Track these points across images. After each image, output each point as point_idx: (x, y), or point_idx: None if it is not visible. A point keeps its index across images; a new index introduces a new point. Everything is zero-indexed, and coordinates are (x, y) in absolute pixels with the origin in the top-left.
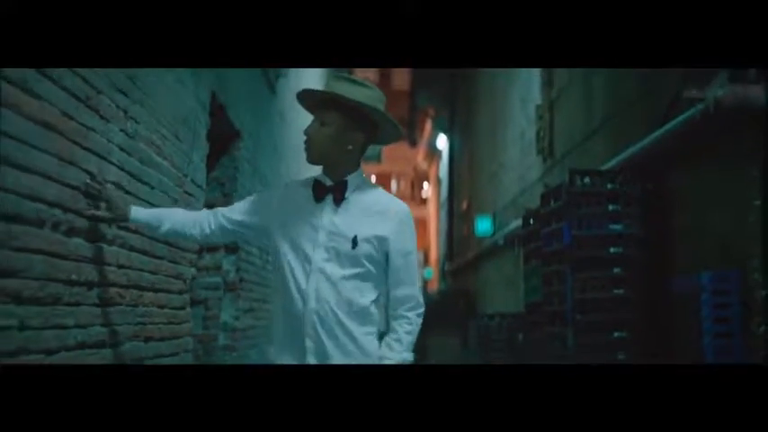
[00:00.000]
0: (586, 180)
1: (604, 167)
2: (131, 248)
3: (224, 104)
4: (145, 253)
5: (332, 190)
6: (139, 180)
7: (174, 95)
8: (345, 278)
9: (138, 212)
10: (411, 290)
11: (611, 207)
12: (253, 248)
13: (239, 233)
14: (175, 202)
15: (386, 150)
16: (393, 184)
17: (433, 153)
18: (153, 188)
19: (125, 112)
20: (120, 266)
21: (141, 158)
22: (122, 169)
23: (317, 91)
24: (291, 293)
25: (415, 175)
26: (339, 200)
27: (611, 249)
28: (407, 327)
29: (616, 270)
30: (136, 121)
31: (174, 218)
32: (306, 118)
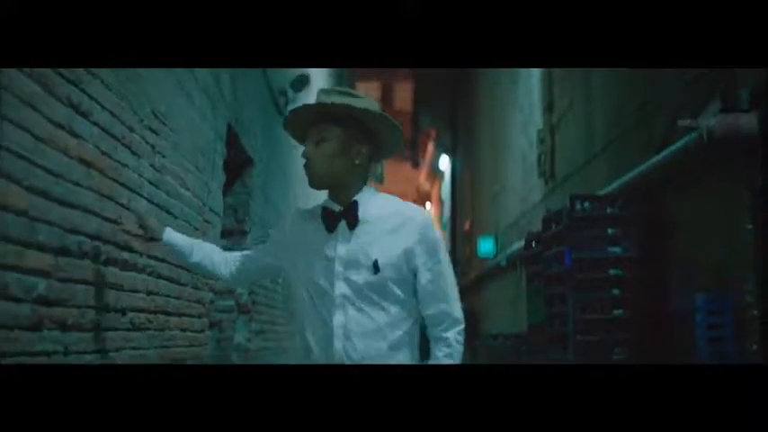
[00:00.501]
0: (586, 205)
1: (604, 192)
2: (159, 276)
3: (238, 133)
4: (171, 280)
5: (343, 215)
6: (166, 211)
7: (195, 129)
8: (372, 310)
9: (172, 235)
10: (445, 306)
11: (610, 231)
12: None
13: (266, 275)
14: (196, 230)
15: (388, 171)
16: None
17: (436, 174)
18: (176, 218)
19: (153, 147)
20: (150, 293)
21: (168, 191)
22: (151, 202)
23: (311, 105)
24: (316, 335)
25: (418, 196)
26: (353, 224)
27: (611, 271)
28: (446, 350)
29: (615, 291)
30: (162, 156)
31: (205, 251)
32: None
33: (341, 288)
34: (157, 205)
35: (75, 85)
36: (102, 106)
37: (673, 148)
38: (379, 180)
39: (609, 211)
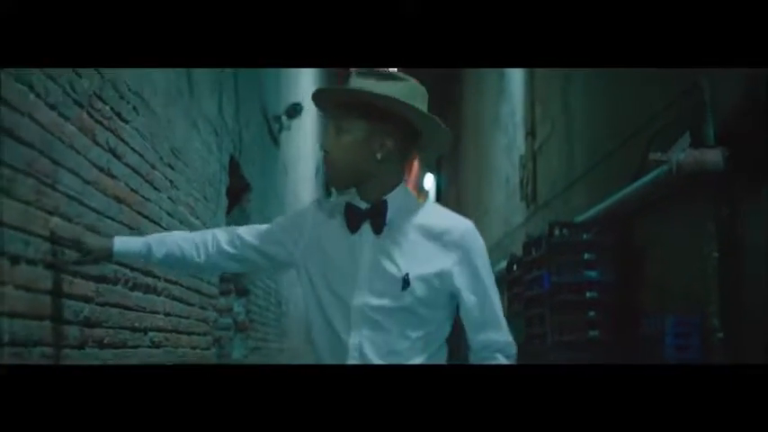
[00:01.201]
0: (564, 231)
1: (581, 218)
2: (173, 298)
3: (239, 162)
4: (182, 301)
5: (369, 215)
6: None
7: (203, 161)
8: (394, 332)
9: (125, 244)
10: (494, 333)
11: (586, 256)
12: (259, 290)
13: (251, 261)
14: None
15: None
16: None
17: (420, 192)
18: None
19: (171, 182)
20: (167, 314)
21: (181, 220)
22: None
23: (329, 90)
24: (329, 348)
25: None
26: (379, 227)
27: (587, 294)
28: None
29: (591, 313)
30: (177, 188)
31: (168, 244)
32: (307, 166)
33: (360, 300)
34: None
35: (113, 132)
36: (133, 149)
37: (645, 179)
38: None
39: (585, 237)
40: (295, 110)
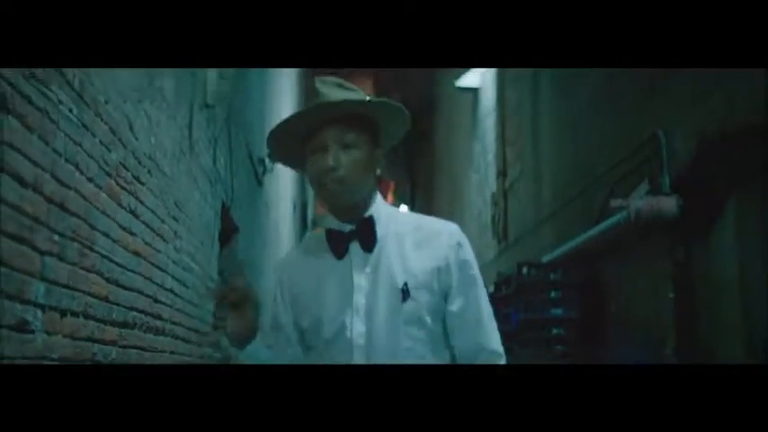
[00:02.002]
0: (532, 271)
1: (548, 258)
2: (177, 337)
3: (229, 207)
4: (184, 340)
5: (356, 236)
6: (183, 284)
7: (200, 211)
8: (402, 349)
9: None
10: (481, 338)
11: (552, 294)
12: None
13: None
14: (200, 298)
15: None
16: None
17: None
18: (188, 288)
19: (175, 233)
20: (172, 353)
21: (183, 267)
22: (175, 278)
23: (343, 102)
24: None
25: None
26: (370, 245)
27: (554, 331)
28: None
29: (558, 348)
30: (180, 238)
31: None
32: (286, 205)
33: (361, 327)
34: (178, 281)
35: (133, 195)
36: (147, 207)
37: (607, 223)
38: None
39: (552, 276)
40: None
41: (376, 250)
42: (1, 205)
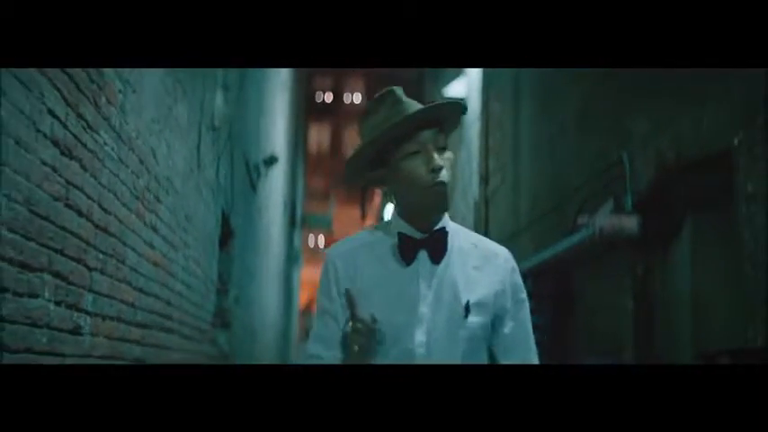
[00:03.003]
0: None
1: (524, 266)
2: (183, 337)
3: (228, 215)
4: (188, 338)
5: (425, 245)
6: (189, 287)
7: (205, 220)
8: (458, 362)
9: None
10: (528, 357)
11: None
12: (239, 324)
13: None
14: (202, 298)
15: (336, 215)
16: None
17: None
18: (193, 290)
19: (185, 243)
20: (179, 350)
21: (190, 272)
22: (183, 283)
23: (444, 105)
24: None
25: None
26: (439, 257)
27: None
28: None
29: None
30: (188, 247)
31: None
32: (277, 209)
33: (423, 337)
34: (187, 285)
35: (155, 213)
36: (164, 222)
37: (575, 238)
38: (329, 227)
39: (525, 285)
40: (272, 159)
41: (443, 263)
42: (66, 233)
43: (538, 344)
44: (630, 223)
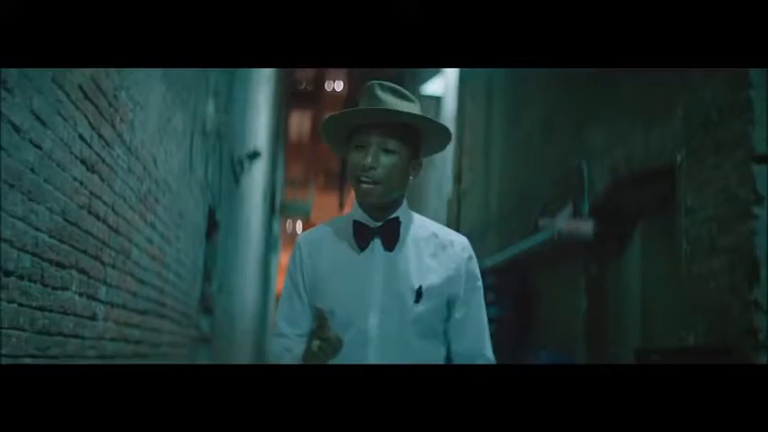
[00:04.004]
0: None
1: (490, 262)
2: (173, 321)
3: (215, 209)
4: (177, 323)
5: (379, 234)
6: (179, 276)
7: (194, 215)
8: (413, 347)
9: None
10: (479, 344)
11: (489, 296)
12: (220, 310)
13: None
14: (189, 286)
15: (315, 202)
16: None
17: None
18: (182, 279)
19: (177, 237)
20: (169, 332)
21: (180, 262)
22: (175, 273)
23: (393, 112)
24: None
25: None
26: (392, 244)
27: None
28: None
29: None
30: (180, 240)
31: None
32: (257, 198)
33: (376, 321)
34: (177, 275)
35: (155, 213)
36: (161, 220)
37: (536, 239)
38: (307, 215)
39: (488, 280)
40: (255, 154)
41: (396, 251)
42: (88, 235)
43: (495, 335)
44: (586, 227)
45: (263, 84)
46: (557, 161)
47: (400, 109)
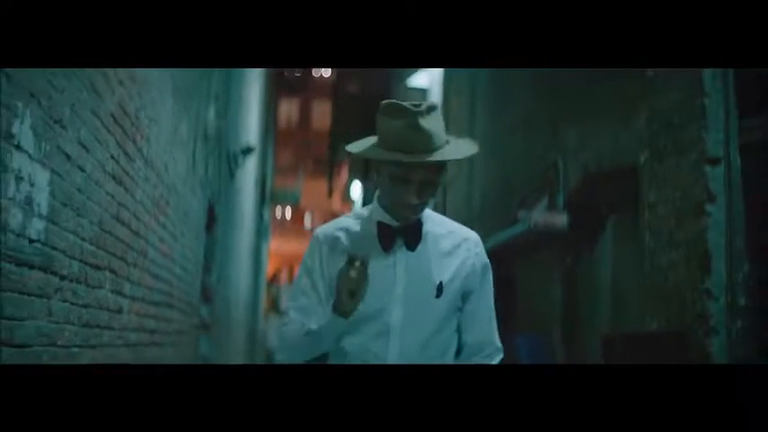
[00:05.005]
0: None
1: None
2: (180, 310)
3: (214, 204)
4: (182, 311)
5: (402, 233)
6: (184, 269)
7: (196, 212)
8: (433, 339)
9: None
10: (488, 334)
11: None
12: (220, 298)
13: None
14: (192, 278)
15: (304, 188)
16: (307, 218)
17: (347, 200)
18: (187, 271)
19: (182, 233)
20: (176, 321)
21: (185, 256)
22: (181, 266)
23: (446, 161)
24: (363, 358)
25: (330, 216)
26: (414, 244)
27: None
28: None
29: None
30: (184, 236)
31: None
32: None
33: (399, 314)
34: (183, 268)
35: (166, 215)
36: (170, 220)
37: (515, 230)
38: (296, 201)
39: None
40: (249, 150)
41: (418, 249)
42: (116, 240)
43: None
44: (561, 220)
45: (254, 79)
46: (535, 157)
47: (441, 136)
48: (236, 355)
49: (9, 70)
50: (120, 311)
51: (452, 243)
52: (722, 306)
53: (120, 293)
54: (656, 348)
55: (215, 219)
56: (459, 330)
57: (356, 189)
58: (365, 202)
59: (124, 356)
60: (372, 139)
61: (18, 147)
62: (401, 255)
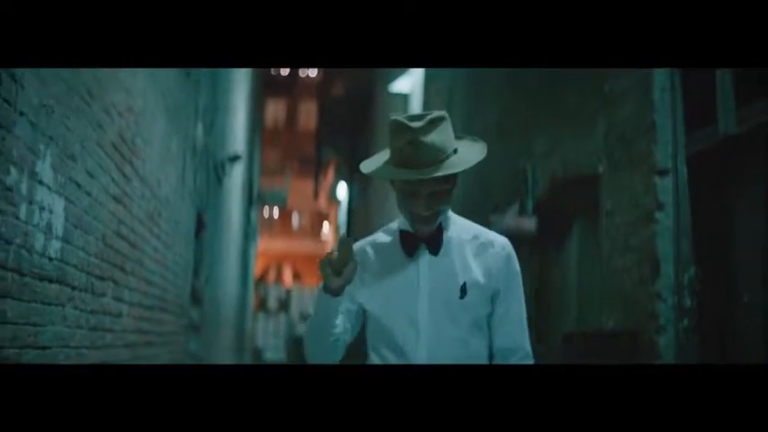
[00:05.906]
0: None
1: None
2: (172, 313)
3: (203, 212)
4: (173, 313)
5: (425, 239)
6: (175, 274)
7: (186, 221)
8: (458, 336)
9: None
10: (520, 339)
11: None
12: (209, 300)
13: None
14: (183, 281)
15: (290, 188)
16: (294, 217)
17: (332, 201)
18: (178, 276)
19: (174, 242)
20: (168, 323)
21: (176, 263)
22: (173, 272)
23: (447, 175)
24: (396, 360)
25: (316, 216)
26: (437, 249)
27: None
28: None
29: None
30: (175, 244)
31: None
32: (237, 194)
33: (424, 314)
34: (173, 272)
35: (158, 226)
36: (162, 230)
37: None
38: (283, 202)
39: None
40: (236, 157)
41: (441, 253)
42: (117, 252)
43: None
44: (530, 224)
45: (240, 83)
46: (507, 162)
47: (447, 147)
48: (224, 353)
49: (32, 118)
50: (120, 316)
51: (477, 247)
52: (670, 306)
53: (120, 300)
54: (610, 345)
55: (204, 225)
56: (489, 335)
57: (342, 190)
58: (351, 203)
59: (124, 356)
60: (385, 155)
61: (41, 182)
62: (424, 259)
